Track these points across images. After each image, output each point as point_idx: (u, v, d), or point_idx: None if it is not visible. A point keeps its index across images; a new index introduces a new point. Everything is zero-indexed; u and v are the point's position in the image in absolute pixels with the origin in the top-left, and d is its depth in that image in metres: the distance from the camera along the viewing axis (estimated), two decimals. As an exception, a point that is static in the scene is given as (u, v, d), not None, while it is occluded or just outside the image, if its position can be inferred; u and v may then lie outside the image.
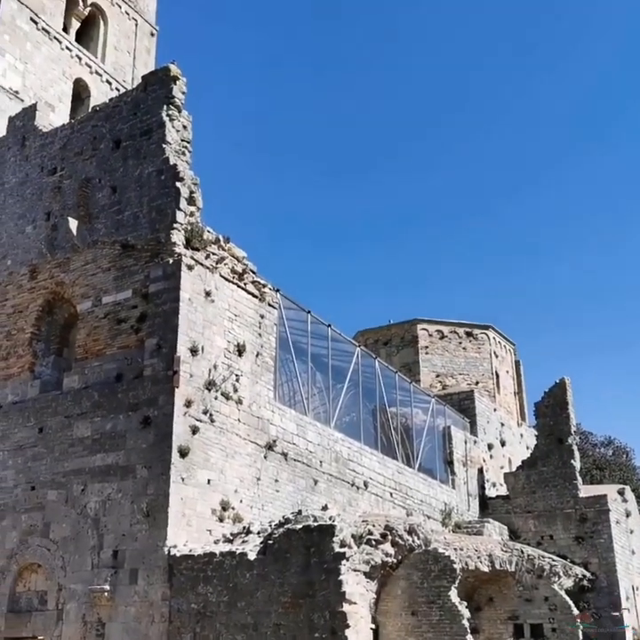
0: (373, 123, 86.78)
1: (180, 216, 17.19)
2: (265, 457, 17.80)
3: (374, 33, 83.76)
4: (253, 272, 18.55)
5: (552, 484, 27.48)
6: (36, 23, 25.00)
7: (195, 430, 15.84)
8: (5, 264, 19.93)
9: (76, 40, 26.92)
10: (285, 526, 14.64)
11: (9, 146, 21.20)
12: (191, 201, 17.58)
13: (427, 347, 33.89)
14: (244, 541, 15.32)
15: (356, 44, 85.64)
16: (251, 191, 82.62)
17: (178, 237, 17.00)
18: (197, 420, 15.97)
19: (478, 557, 19.73)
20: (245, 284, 18.29)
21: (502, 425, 32.81)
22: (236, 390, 17.24)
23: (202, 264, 17.11)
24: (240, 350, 17.58)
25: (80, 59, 26.43)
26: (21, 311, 19.08)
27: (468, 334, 34.69)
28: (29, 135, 20.88)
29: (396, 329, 34.60)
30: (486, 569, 19.84)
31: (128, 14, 28.90)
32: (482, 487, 29.54)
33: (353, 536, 15.12)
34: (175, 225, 17.07)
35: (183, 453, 15.44)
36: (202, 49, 79.53)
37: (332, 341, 22.14)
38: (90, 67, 26.72)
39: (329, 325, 21.99)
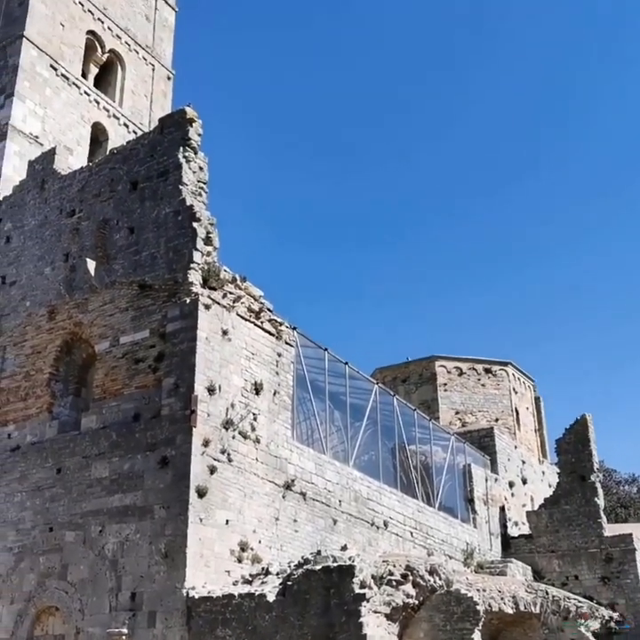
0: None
1: (196, 256, 17.29)
2: (283, 497, 17.64)
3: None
4: (270, 310, 18.57)
5: (576, 522, 27.05)
6: (55, 70, 25.47)
7: (213, 470, 15.74)
8: (24, 305, 20.08)
9: (95, 85, 27.35)
10: (304, 567, 14.44)
11: (29, 189, 21.50)
12: (208, 241, 17.69)
13: (445, 383, 33.73)
14: (262, 582, 15.11)
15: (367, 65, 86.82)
16: (266, 213, 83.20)
17: (195, 277, 17.07)
18: (215, 460, 15.88)
19: (502, 599, 19.34)
20: (262, 323, 18.30)
21: (523, 462, 32.43)
22: (253, 429, 17.15)
23: (219, 303, 17.15)
24: (257, 389, 17.53)
25: (98, 103, 26.85)
26: (40, 352, 19.18)
27: (487, 371, 34.53)
28: (48, 178, 21.17)
29: (414, 366, 34.51)
30: (510, 611, 19.44)
31: (145, 59, 29.40)
32: (504, 526, 29.11)
33: (373, 577, 14.88)
34: (192, 265, 17.16)
35: (201, 493, 15.33)
36: (216, 89, 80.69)
37: (350, 379, 22.06)
38: (108, 111, 27.14)
39: (346, 363, 21.93)
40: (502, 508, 29.42)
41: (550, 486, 31.99)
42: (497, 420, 33.56)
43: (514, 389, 34.99)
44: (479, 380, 34.21)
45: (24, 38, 24.69)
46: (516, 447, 32.41)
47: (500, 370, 34.89)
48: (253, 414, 17.23)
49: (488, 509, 28.42)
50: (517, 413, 34.85)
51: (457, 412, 33.41)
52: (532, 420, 36.35)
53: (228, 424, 16.40)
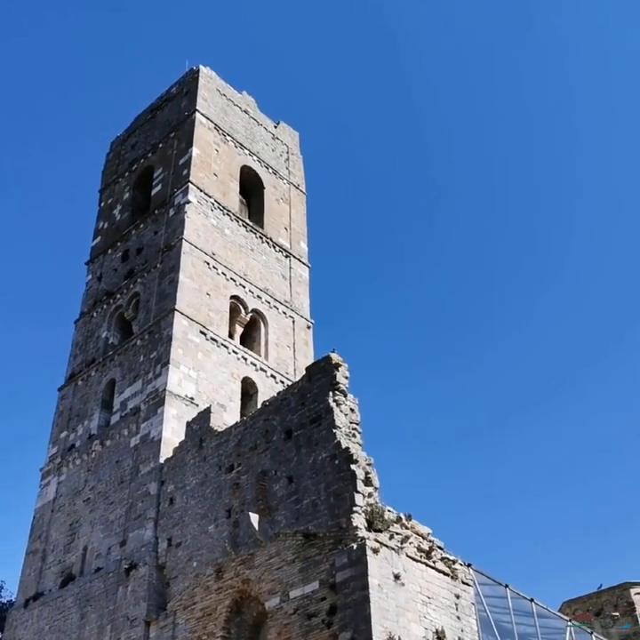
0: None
1: (358, 499, 16.99)
2: None
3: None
4: (440, 548, 17.68)
5: None
6: (204, 334, 27.15)
7: None
8: (191, 566, 19.99)
9: (241, 342, 28.86)
10: None
11: (188, 449, 22.19)
12: (368, 482, 17.43)
13: (646, 615, 30.09)
14: None
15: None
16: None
17: (359, 521, 16.65)
18: None
19: None
20: (434, 562, 17.36)
21: None
22: (440, 684, 15.66)
23: (386, 546, 16.49)
24: (440, 637, 16.35)
25: (245, 359, 28.14)
26: (210, 614, 18.76)
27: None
28: (206, 436, 21.85)
29: (607, 595, 31.23)
30: None
31: (285, 313, 31.05)
32: None
33: None
34: (355, 508, 16.85)
35: None
36: (355, 334, 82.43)
37: (538, 617, 20.11)
38: (255, 365, 28.34)
39: (532, 600, 20.14)
40: None
41: None
42: None
43: None
44: (683, 606, 30.40)
45: (176, 311, 26.63)
46: None
47: None
48: (438, 667, 15.82)
49: None
50: None
51: (669, 648, 29.46)
52: None
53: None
